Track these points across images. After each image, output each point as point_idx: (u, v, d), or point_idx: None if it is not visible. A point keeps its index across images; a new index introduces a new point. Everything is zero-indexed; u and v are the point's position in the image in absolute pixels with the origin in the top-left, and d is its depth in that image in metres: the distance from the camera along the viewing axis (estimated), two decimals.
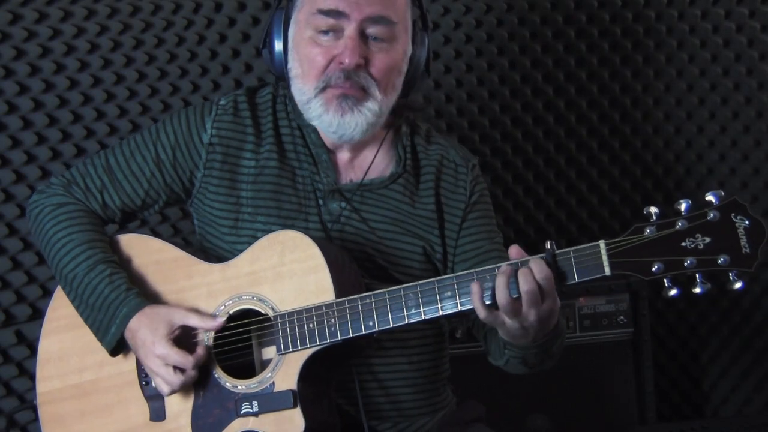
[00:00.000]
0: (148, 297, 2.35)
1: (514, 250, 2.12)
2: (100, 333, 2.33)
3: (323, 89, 2.31)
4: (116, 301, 2.30)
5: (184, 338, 2.27)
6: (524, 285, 2.05)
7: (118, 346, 2.33)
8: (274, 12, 2.38)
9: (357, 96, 2.31)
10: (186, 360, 2.23)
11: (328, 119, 2.33)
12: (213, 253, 2.43)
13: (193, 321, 2.27)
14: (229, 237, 2.40)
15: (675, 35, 3.72)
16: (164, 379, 2.25)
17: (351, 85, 2.30)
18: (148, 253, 2.41)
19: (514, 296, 2.06)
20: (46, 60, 3.17)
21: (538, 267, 2.06)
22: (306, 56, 2.33)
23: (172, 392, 2.27)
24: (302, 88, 2.35)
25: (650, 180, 3.79)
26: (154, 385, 2.29)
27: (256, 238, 2.31)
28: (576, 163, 3.74)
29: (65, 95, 3.20)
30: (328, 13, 2.28)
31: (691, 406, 3.89)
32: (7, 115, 3.14)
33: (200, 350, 2.25)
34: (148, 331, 2.26)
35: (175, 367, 2.24)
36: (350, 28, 2.28)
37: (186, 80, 3.33)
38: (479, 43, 3.59)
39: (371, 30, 2.30)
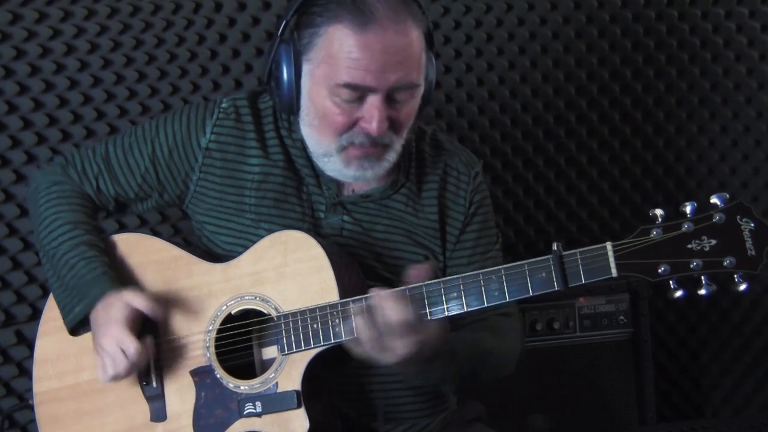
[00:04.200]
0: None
1: (415, 272, 2.15)
2: (66, 309, 2.33)
3: (345, 147, 2.26)
4: (90, 281, 2.29)
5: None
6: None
7: (78, 326, 2.33)
8: (278, 45, 2.28)
9: (379, 153, 2.27)
10: (131, 344, 2.20)
11: (349, 173, 2.29)
12: (212, 253, 2.42)
13: (137, 302, 2.24)
14: (229, 239, 2.39)
15: (675, 35, 3.72)
16: (113, 360, 2.22)
17: (374, 145, 2.25)
18: (147, 252, 2.40)
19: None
20: (46, 60, 3.16)
21: (393, 307, 2.08)
22: (324, 114, 2.25)
23: (116, 377, 2.23)
24: (318, 140, 2.29)
25: (650, 180, 3.79)
26: (109, 371, 2.26)
27: None
28: (576, 164, 3.74)
29: (65, 95, 3.19)
30: (354, 87, 2.19)
31: (691, 406, 3.89)
32: (7, 115, 3.14)
33: (148, 340, 2.25)
34: (107, 311, 2.25)
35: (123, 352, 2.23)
36: (376, 98, 2.19)
37: (186, 80, 3.32)
38: (479, 43, 3.59)
39: (397, 94, 2.22)
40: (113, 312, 2.24)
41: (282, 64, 2.28)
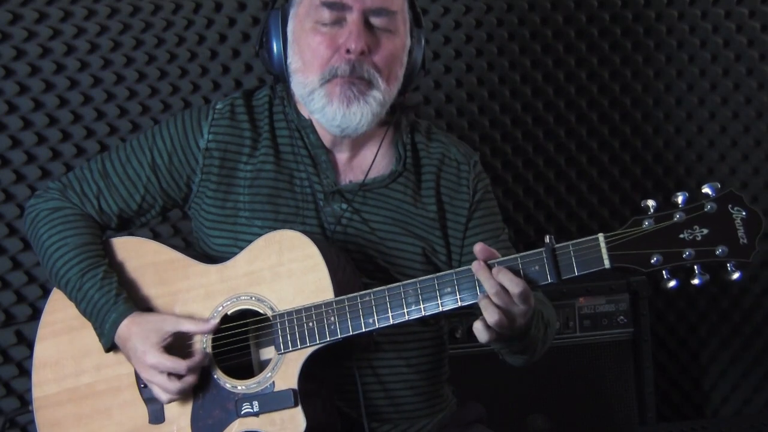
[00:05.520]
0: (144, 300, 2.35)
1: (479, 248, 2.12)
2: (97, 335, 2.34)
3: (328, 80, 2.30)
4: (105, 307, 2.30)
5: (178, 344, 2.27)
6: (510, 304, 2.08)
7: (114, 347, 2.33)
8: (269, 13, 2.39)
9: (361, 87, 2.30)
10: (179, 365, 2.22)
11: (332, 111, 2.31)
12: (210, 255, 2.41)
13: (186, 326, 2.26)
14: (226, 240, 2.38)
15: (675, 35, 3.72)
16: (161, 387, 2.24)
17: (355, 75, 2.29)
18: (143, 255, 2.40)
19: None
20: (46, 60, 3.17)
21: (510, 282, 2.07)
22: (308, 46, 2.32)
23: (171, 400, 2.26)
24: (304, 81, 2.33)
25: (650, 180, 3.79)
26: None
27: None
28: (576, 163, 3.74)
29: (65, 95, 3.20)
30: (331, 5, 2.28)
31: (691, 406, 3.88)
32: (7, 115, 3.15)
33: (197, 356, 2.25)
34: (138, 341, 2.25)
35: (171, 374, 2.23)
36: (354, 17, 2.28)
37: (186, 80, 3.33)
38: (479, 43, 3.59)
39: (373, 20, 2.30)
40: (142, 340, 2.25)
41: (270, 24, 2.38)
